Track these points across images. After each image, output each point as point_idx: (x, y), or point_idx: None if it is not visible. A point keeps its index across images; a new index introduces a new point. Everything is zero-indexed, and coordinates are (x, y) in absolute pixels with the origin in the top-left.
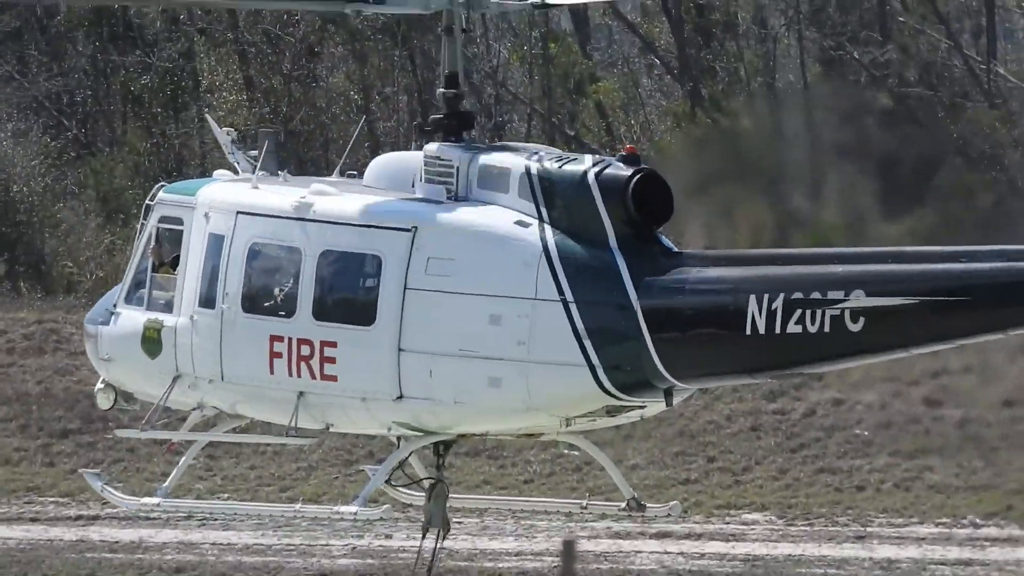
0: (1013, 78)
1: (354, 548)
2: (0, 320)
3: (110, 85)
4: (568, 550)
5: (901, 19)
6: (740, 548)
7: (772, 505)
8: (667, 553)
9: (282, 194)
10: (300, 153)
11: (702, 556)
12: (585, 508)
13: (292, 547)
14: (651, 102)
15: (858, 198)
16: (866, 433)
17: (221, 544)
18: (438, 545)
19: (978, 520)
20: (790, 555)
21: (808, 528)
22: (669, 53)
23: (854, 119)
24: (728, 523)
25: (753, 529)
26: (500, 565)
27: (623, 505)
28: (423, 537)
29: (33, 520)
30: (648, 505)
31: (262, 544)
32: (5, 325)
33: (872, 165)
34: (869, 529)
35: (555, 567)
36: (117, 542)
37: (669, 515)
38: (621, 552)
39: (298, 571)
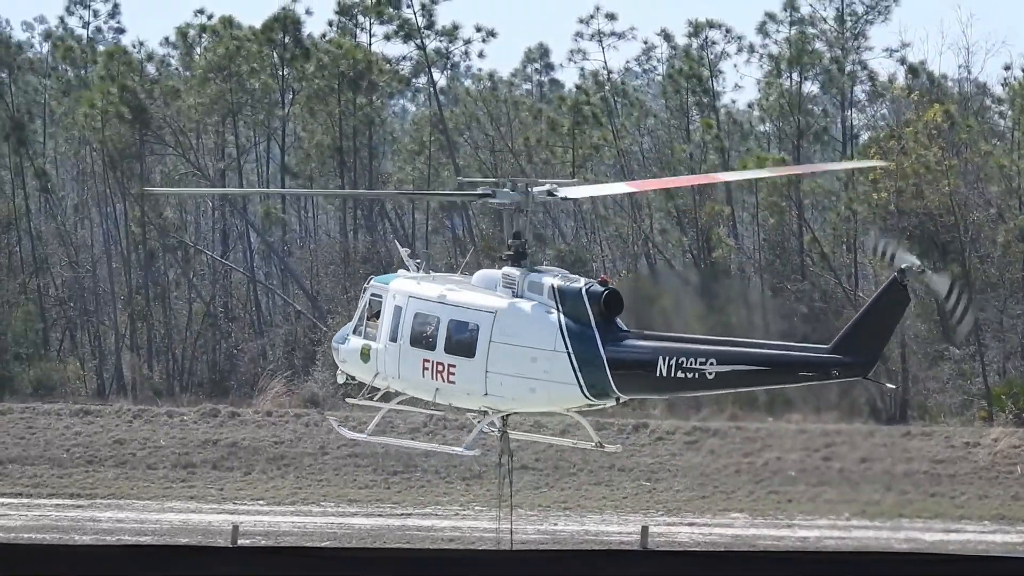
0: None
1: None
2: None
3: None
4: None
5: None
6: None
7: None
8: None
9: (431, 288)
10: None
11: None
12: (599, 447)
13: None
14: None
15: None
16: None
17: None
18: (509, 466)
19: None
20: None
21: None
22: None
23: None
24: None
25: None
26: None
27: (593, 445)
28: (500, 460)
29: None
30: (605, 446)
31: None
32: None
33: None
34: None
35: None
36: None
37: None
38: None
39: None
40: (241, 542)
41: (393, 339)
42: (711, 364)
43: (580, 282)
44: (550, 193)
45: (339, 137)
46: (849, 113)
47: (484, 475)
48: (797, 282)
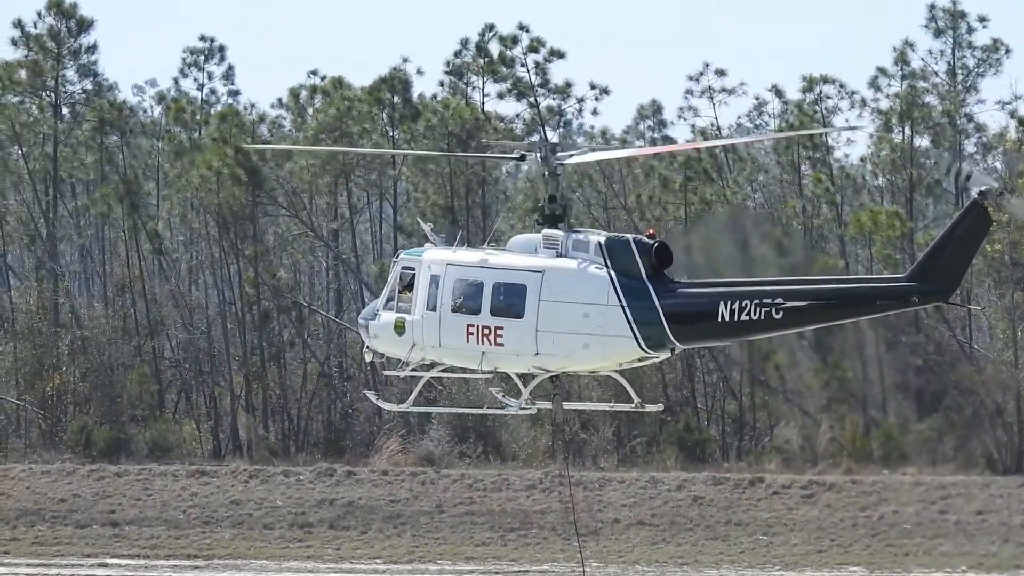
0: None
1: None
2: None
3: None
4: None
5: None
6: None
7: None
8: None
9: (470, 255)
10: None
11: None
12: (640, 408)
13: None
14: None
15: None
16: None
17: None
18: (560, 422)
19: None
20: None
21: None
22: None
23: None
24: None
25: None
26: None
27: (635, 404)
28: (553, 422)
29: None
30: (646, 406)
31: None
32: None
33: None
34: None
35: None
36: None
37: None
38: None
39: None
40: None
41: (432, 308)
42: (778, 302)
43: (628, 237)
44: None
45: (451, 196)
46: (960, 165)
47: (601, 531)
48: (912, 335)
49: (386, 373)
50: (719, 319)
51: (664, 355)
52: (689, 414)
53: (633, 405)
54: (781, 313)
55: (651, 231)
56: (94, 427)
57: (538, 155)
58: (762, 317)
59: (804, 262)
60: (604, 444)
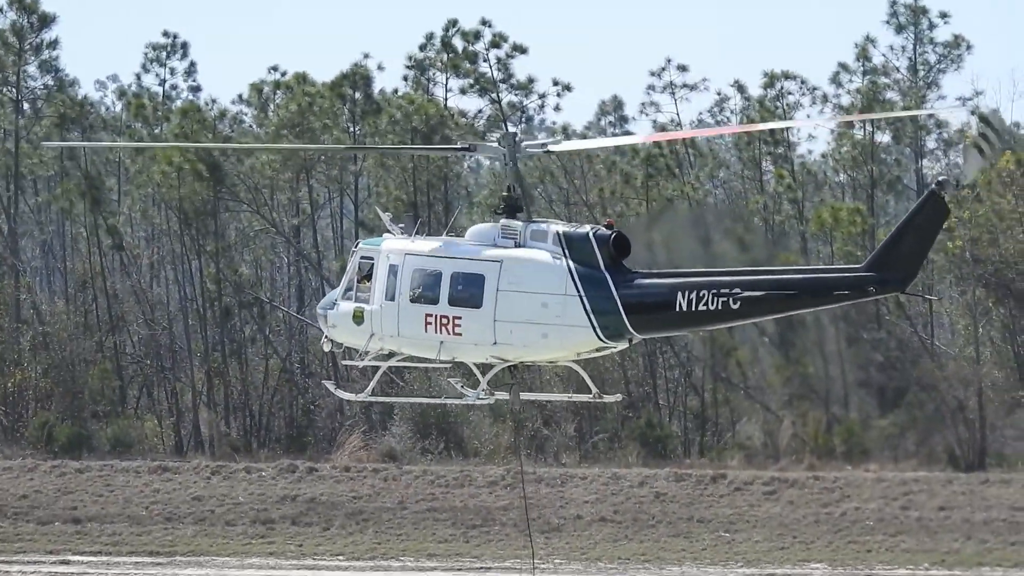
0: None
1: None
2: None
3: None
4: None
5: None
6: None
7: None
8: None
9: (428, 244)
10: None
11: None
12: (598, 398)
13: None
14: None
15: None
16: None
17: None
18: (517, 411)
19: None
20: None
21: None
22: None
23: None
24: None
25: None
26: None
27: (593, 394)
28: (510, 412)
29: None
30: (604, 397)
31: None
32: None
33: None
34: None
35: None
36: None
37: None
38: None
39: None
40: None
41: (391, 298)
42: (736, 292)
43: (586, 227)
44: (542, 145)
45: (413, 192)
46: (921, 162)
47: (563, 528)
48: (873, 331)
49: (344, 363)
50: (677, 309)
51: (622, 345)
52: (651, 410)
53: (591, 396)
54: (739, 303)
55: (609, 221)
56: (56, 423)
57: (501, 144)
58: (720, 307)
59: (765, 258)
60: (566, 440)
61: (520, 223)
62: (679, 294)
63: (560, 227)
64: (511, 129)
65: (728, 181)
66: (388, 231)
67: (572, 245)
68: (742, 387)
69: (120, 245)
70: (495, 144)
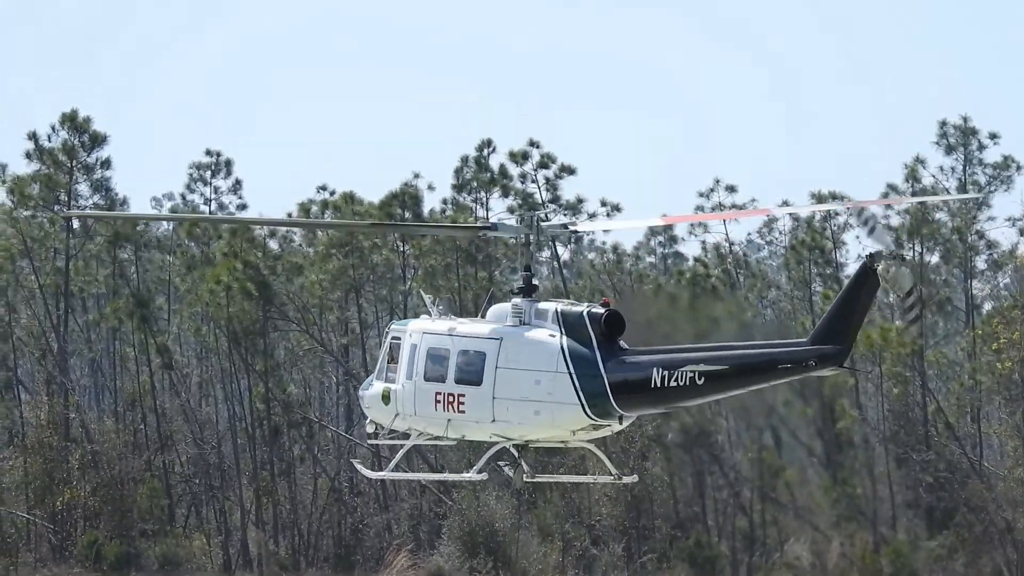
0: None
1: None
2: None
3: None
4: None
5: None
6: None
7: None
8: None
9: (443, 323)
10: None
11: None
12: (618, 480)
13: None
14: None
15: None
16: None
17: None
18: (520, 486)
19: None
20: None
21: None
22: None
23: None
24: None
25: None
26: None
27: (613, 477)
28: (512, 488)
29: None
30: (624, 478)
31: None
32: None
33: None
34: None
35: None
36: None
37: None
38: None
39: None
40: None
41: (410, 376)
42: (701, 368)
43: (582, 306)
44: (564, 226)
45: (459, 310)
46: (970, 283)
47: None
48: (922, 452)
49: (368, 442)
50: (652, 386)
51: (615, 424)
52: (699, 530)
53: (613, 477)
54: (703, 379)
55: (605, 300)
56: (104, 541)
57: (519, 223)
58: (687, 383)
59: None
60: (614, 560)
61: (527, 302)
62: (654, 371)
63: (560, 305)
64: (533, 211)
65: (777, 301)
66: (428, 313)
67: (568, 323)
68: (790, 507)
69: (169, 364)
70: (516, 224)
